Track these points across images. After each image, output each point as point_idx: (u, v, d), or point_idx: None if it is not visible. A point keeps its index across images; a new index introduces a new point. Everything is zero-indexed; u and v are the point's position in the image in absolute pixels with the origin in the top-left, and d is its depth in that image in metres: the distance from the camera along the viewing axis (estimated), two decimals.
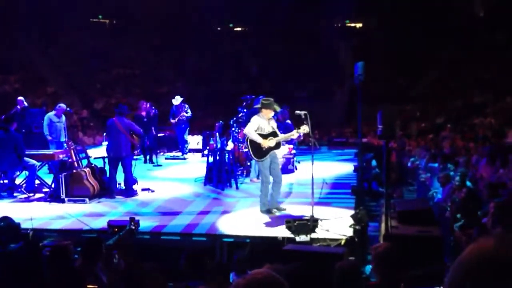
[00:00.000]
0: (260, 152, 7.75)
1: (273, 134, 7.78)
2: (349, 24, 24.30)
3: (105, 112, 15.86)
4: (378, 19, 22.02)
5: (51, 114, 11.68)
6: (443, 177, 8.04)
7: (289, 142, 10.65)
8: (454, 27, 20.44)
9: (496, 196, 6.75)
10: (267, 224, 7.45)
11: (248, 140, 7.88)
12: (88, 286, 4.59)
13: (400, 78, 20.19)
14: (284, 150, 10.57)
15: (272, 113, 7.90)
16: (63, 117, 11.81)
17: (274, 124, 7.96)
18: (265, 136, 7.74)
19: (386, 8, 21.13)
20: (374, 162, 12.09)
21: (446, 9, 20.80)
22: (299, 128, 7.68)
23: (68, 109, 11.86)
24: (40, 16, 20.49)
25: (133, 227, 6.48)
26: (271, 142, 7.72)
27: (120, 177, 9.55)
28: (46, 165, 10.39)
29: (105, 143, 11.28)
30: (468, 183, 7.37)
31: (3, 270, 6.30)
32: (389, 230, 5.83)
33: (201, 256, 6.11)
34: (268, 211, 7.91)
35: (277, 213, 7.88)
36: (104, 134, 10.81)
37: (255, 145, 7.77)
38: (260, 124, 7.78)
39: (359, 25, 24.20)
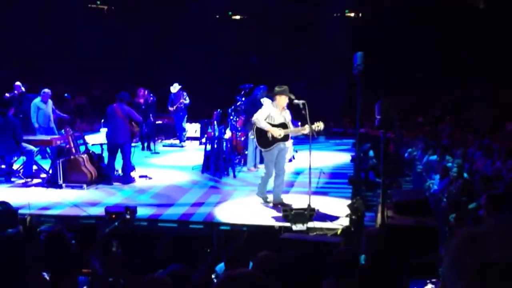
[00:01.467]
0: (266, 141, 7.48)
1: (283, 126, 7.48)
2: (348, 14, 24.20)
3: (103, 99, 15.82)
4: (378, 9, 21.93)
5: (37, 100, 11.53)
6: (442, 169, 8.07)
7: None
8: (454, 19, 20.39)
9: (490, 188, 6.78)
10: (264, 213, 7.48)
11: (255, 128, 7.58)
12: (83, 270, 4.63)
13: (399, 69, 20.13)
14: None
15: (287, 101, 7.52)
16: (50, 102, 11.69)
17: (287, 115, 7.62)
18: (274, 126, 7.46)
19: None
20: (371, 153, 12.12)
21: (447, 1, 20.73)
22: (312, 124, 7.29)
23: (66, 94, 11.80)
24: (37, 1, 20.34)
25: (128, 216, 6.50)
26: (281, 132, 7.42)
27: (118, 163, 9.56)
28: (39, 152, 10.33)
29: (103, 130, 11.26)
30: (465, 175, 7.41)
31: (0, 254, 6.33)
32: (386, 220, 5.86)
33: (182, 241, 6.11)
34: (263, 199, 7.84)
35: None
36: (102, 120, 10.78)
37: (261, 133, 7.49)
38: (271, 113, 7.47)
39: (359, 14, 24.11)
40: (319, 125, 7.33)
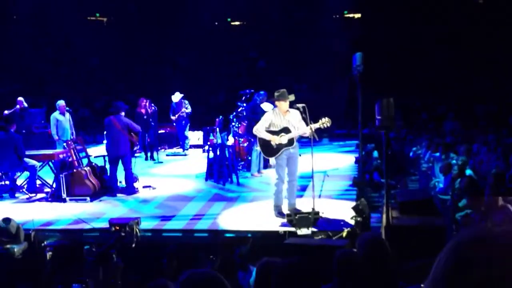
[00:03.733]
0: (270, 149, 7.25)
1: (285, 130, 7.22)
2: (347, 15, 24.17)
3: (106, 110, 15.88)
4: (377, 9, 21.88)
5: (56, 113, 11.58)
6: (445, 166, 8.01)
7: None
8: (453, 15, 20.32)
9: (502, 185, 6.68)
10: (268, 218, 7.42)
11: (258, 138, 7.41)
12: None
13: (401, 67, 20.05)
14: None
15: (287, 105, 7.25)
16: (67, 114, 11.72)
17: (293, 117, 7.24)
18: (276, 133, 7.21)
19: None
20: (375, 153, 12.02)
21: None
22: (315, 122, 7.09)
23: (67, 108, 11.80)
24: (37, 14, 20.49)
25: (124, 234, 6.43)
26: (283, 138, 7.16)
27: (120, 175, 9.55)
28: (47, 165, 10.29)
29: (105, 142, 11.27)
30: (469, 171, 7.33)
31: (5, 270, 6.32)
32: (390, 221, 5.80)
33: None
34: (280, 213, 7.38)
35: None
36: (105, 132, 10.78)
37: (265, 143, 7.28)
38: (273, 120, 7.22)
39: (357, 15, 24.07)
40: (325, 122, 7.10)
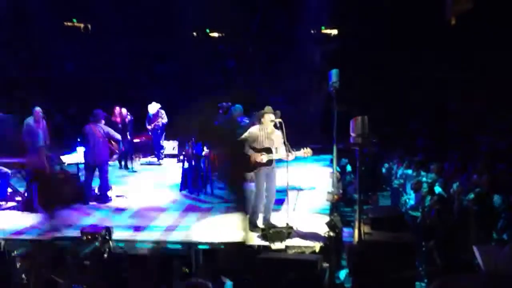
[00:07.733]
0: (247, 165, 7.29)
1: (267, 150, 7.25)
2: (324, 31, 24.49)
3: (79, 118, 15.68)
4: (353, 26, 22.23)
5: (29, 119, 11.35)
6: (416, 184, 8.18)
7: None
8: (426, 32, 20.79)
9: (484, 203, 6.82)
10: (243, 231, 7.44)
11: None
12: None
13: (375, 83, 20.37)
14: None
15: (272, 117, 7.20)
16: (42, 121, 11.50)
17: (277, 139, 7.27)
18: (258, 151, 7.24)
19: (361, 15, 21.38)
20: (349, 167, 12.18)
21: (418, 16, 21.13)
22: (297, 150, 7.17)
23: (42, 115, 11.58)
24: (11, 18, 20.16)
25: (108, 237, 6.43)
26: (263, 157, 7.19)
27: (94, 183, 9.46)
28: (19, 173, 10.12)
29: (79, 149, 11.13)
30: (439, 189, 7.51)
31: None
32: (362, 237, 5.91)
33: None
34: (255, 227, 7.37)
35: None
36: (79, 140, 10.65)
37: (244, 157, 7.27)
38: (258, 137, 7.25)
39: (334, 31, 24.41)
40: (307, 152, 7.23)
